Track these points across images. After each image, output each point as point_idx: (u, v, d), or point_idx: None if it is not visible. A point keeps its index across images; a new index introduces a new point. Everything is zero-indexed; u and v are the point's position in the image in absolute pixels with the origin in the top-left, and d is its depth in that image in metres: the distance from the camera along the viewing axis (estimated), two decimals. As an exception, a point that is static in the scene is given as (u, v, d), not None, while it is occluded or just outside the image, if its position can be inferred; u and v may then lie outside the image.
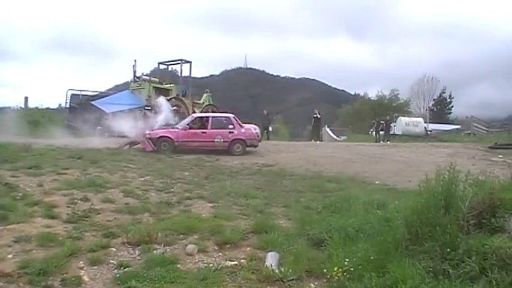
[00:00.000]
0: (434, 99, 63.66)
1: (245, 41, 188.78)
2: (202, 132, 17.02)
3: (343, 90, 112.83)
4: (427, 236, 4.52)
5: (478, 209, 4.64)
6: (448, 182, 4.89)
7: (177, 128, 17.27)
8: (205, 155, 15.56)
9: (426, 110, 58.17)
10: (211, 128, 17.15)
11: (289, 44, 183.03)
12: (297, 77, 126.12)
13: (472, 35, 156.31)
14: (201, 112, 23.89)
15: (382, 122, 33.18)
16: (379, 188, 10.21)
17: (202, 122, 17.61)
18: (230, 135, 17.09)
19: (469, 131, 39.80)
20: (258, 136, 17.88)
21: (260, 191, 9.69)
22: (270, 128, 27.73)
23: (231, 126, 17.30)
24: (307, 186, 10.43)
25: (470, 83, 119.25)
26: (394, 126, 37.54)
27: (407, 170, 13.96)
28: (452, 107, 64.54)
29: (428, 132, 38.86)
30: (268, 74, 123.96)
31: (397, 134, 36.51)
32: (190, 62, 28.48)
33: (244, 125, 17.79)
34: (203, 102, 27.88)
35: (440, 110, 62.55)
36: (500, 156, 18.88)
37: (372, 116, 44.94)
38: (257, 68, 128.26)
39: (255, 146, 17.60)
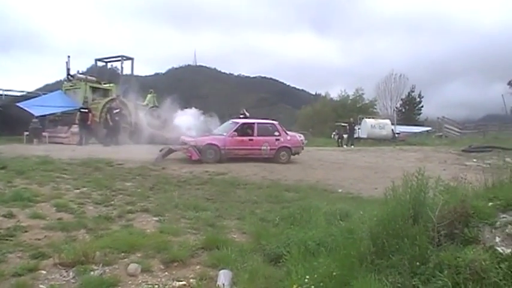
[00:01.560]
0: (402, 99, 65.36)
1: (195, 36, 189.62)
2: (250, 140, 17.87)
3: (303, 90, 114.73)
4: (395, 248, 4.54)
5: (449, 218, 4.69)
6: (416, 189, 4.95)
7: (222, 135, 17.82)
8: (149, 164, 15.26)
9: (394, 110, 59.76)
10: (258, 135, 18.03)
11: (244, 40, 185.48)
12: (252, 76, 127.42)
13: (444, 29, 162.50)
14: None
15: (345, 124, 33.70)
16: (343, 197, 10.36)
17: (248, 129, 18.31)
18: (277, 142, 18.13)
19: (440, 133, 41.18)
20: (302, 143, 19.22)
21: (211, 202, 9.62)
22: None
23: (276, 133, 18.41)
24: (263, 196, 10.45)
25: (442, 81, 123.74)
26: (359, 129, 38.29)
27: (373, 177, 14.24)
28: (422, 107, 66.48)
29: (396, 135, 39.82)
30: (220, 72, 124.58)
31: (361, 138, 37.25)
32: (132, 59, 28.13)
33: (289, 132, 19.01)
34: (147, 104, 27.40)
35: (409, 110, 64.29)
36: (475, 160, 19.60)
37: (334, 118, 45.77)
38: (208, 65, 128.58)
39: (298, 154, 18.78)
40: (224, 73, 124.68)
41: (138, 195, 9.92)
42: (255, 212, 8.69)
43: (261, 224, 7.54)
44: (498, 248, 4.37)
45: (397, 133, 40.86)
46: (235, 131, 17.91)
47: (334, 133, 38.64)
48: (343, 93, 59.31)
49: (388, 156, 21.58)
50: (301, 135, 19.89)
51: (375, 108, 58.76)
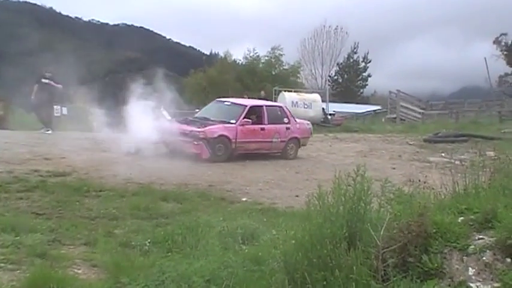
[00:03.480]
0: (339, 64, 66.97)
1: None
2: (261, 129, 19.27)
3: (191, 48, 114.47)
4: (321, 286, 4.61)
5: (400, 240, 4.83)
6: (353, 198, 5.06)
7: (231, 123, 18.79)
8: None
9: (326, 80, 61.09)
10: (269, 123, 19.53)
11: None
12: (112, 23, 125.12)
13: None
14: None
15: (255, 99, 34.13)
16: (248, 209, 10.45)
17: (257, 114, 19.63)
18: (287, 132, 19.81)
19: (393, 115, 42.68)
20: (311, 133, 21.37)
21: (43, 219, 9.34)
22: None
23: (286, 120, 20.05)
24: (127, 208, 10.34)
25: (399, 37, 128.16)
26: (274, 106, 38.78)
27: (293, 179, 14.53)
28: (368, 76, 68.75)
29: (329, 117, 40.70)
30: (61, 14, 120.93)
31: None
32: None
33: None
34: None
35: (348, 81, 66.14)
36: (442, 154, 20.47)
37: (239, 90, 46.02)
38: (40, 3, 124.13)
39: (305, 145, 20.70)
40: (67, 17, 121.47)
41: None
42: (112, 233, 8.59)
43: (122, 251, 7.46)
44: (472, 285, 4.55)
45: (331, 114, 41.82)
46: (245, 117, 19.06)
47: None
48: (251, 54, 59.46)
49: (316, 148, 22.04)
50: (309, 123, 21.89)
51: (299, 77, 59.62)
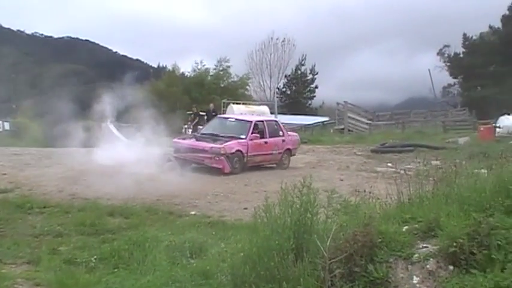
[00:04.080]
0: (287, 76, 67.14)
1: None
2: (265, 143, 20.95)
3: (138, 61, 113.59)
4: (269, 298, 4.61)
5: (346, 250, 4.86)
6: (300, 210, 5.08)
7: (242, 139, 20.28)
8: None
9: (275, 93, 61.17)
10: (269, 137, 21.27)
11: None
12: (56, 37, 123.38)
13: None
14: None
15: (203, 113, 33.98)
16: (197, 222, 10.40)
17: (260, 129, 21.27)
18: (283, 144, 21.68)
19: (341, 126, 42.97)
20: (298, 143, 23.56)
21: (-19, 237, 9.16)
22: None
23: (281, 133, 22.09)
24: (72, 224, 10.17)
25: (347, 50, 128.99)
26: (223, 119, 38.73)
27: (242, 191, 14.52)
28: (316, 88, 69.02)
29: (278, 129, 40.75)
30: (4, 28, 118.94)
31: (228, 132, 37.72)
32: None
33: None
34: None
35: (297, 92, 66.35)
36: (389, 164, 20.69)
37: (187, 104, 45.86)
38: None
39: (294, 155, 22.54)
40: (9, 29, 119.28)
41: None
42: (57, 251, 8.41)
43: (67, 268, 7.30)
44: (416, 293, 4.62)
45: (279, 126, 41.92)
46: (253, 132, 20.67)
47: (186, 126, 38.76)
48: (199, 66, 59.35)
49: (265, 160, 22.13)
50: (297, 135, 24.39)
51: (248, 90, 59.63)
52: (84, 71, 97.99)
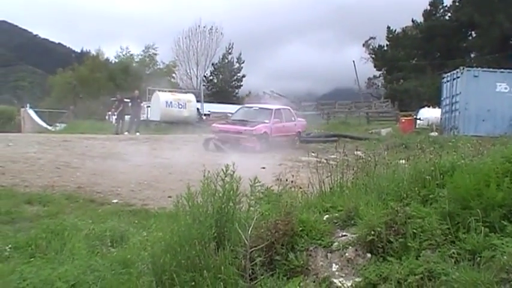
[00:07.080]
0: (214, 64, 67.00)
1: None
2: (283, 126, 25.98)
3: (60, 44, 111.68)
4: (189, 286, 4.62)
5: (268, 239, 4.91)
6: (222, 198, 5.09)
7: (265, 123, 25.17)
8: None
9: (201, 81, 61.00)
10: (286, 121, 26.48)
11: None
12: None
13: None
14: None
15: (127, 100, 33.65)
16: (118, 210, 10.29)
17: (279, 115, 26.42)
18: (295, 127, 27.21)
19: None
20: (305, 128, 29.81)
21: None
22: None
23: (293, 119, 27.60)
24: (-15, 212, 9.88)
25: (275, 40, 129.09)
26: (148, 107, 38.45)
27: (167, 179, 14.47)
28: (243, 77, 69.20)
29: (204, 117, 40.76)
30: None
31: (153, 121, 37.49)
32: None
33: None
34: None
35: (223, 81, 66.31)
36: (314, 153, 20.92)
37: (111, 90, 45.32)
38: None
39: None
40: None
41: None
42: (-32, 240, 8.18)
43: (-22, 258, 7.13)
44: (335, 280, 4.70)
45: (206, 114, 41.90)
46: (275, 117, 25.67)
47: (110, 113, 38.33)
48: (124, 52, 58.77)
49: (190, 149, 22.14)
50: (304, 120, 30.40)
51: (174, 77, 59.34)
52: (2, 53, 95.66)
